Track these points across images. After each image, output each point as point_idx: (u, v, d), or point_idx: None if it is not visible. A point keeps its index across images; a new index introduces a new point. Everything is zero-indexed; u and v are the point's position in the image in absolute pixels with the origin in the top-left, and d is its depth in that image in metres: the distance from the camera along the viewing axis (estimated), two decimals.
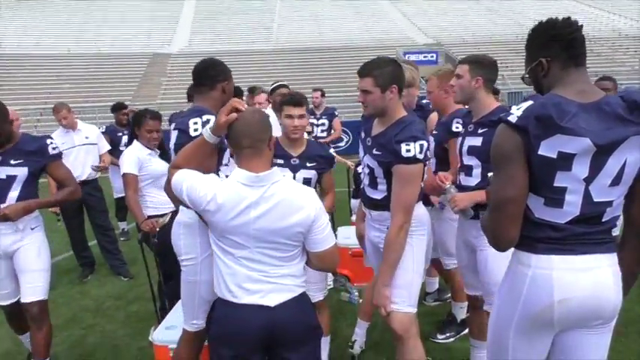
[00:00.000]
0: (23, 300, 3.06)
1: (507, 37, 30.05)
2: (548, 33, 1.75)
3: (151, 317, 4.14)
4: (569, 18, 1.74)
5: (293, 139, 2.96)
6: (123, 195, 5.29)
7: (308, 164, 2.98)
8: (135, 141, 3.86)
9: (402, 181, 2.49)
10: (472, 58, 2.77)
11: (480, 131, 2.67)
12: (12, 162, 2.98)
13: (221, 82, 2.64)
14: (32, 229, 3.10)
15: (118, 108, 6.89)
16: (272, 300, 1.98)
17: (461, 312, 3.75)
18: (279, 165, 2.82)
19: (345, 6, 37.27)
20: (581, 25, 1.73)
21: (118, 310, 4.60)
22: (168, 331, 3.08)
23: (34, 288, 3.06)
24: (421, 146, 2.45)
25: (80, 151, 5.29)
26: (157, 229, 3.56)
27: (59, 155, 3.15)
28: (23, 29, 32.35)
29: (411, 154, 2.43)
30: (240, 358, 2.00)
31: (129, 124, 5.98)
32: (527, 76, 1.83)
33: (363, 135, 2.78)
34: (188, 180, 2.01)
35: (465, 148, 2.73)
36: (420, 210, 2.67)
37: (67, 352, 3.81)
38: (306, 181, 2.95)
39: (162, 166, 3.78)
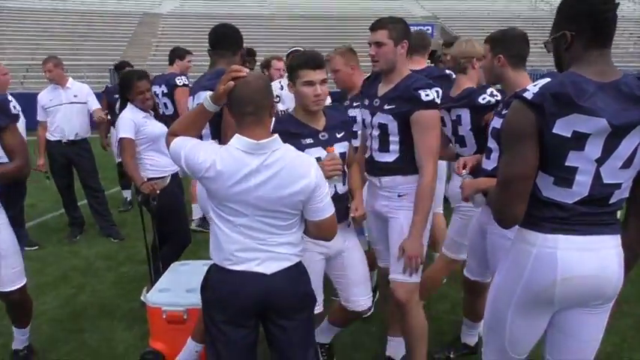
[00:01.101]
0: (5, 289, 2.77)
1: (504, 13, 29.82)
2: (579, 6, 1.64)
3: (141, 279, 4.15)
4: None
5: (314, 111, 2.41)
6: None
7: (338, 135, 2.48)
8: (129, 104, 3.73)
9: (424, 126, 2.50)
10: (493, 35, 2.59)
11: (504, 112, 2.38)
12: None
13: (240, 48, 2.76)
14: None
15: (121, 67, 6.17)
16: (268, 268, 1.98)
17: None
18: (310, 145, 2.38)
19: None
20: (618, 4, 1.64)
21: (109, 270, 4.59)
22: (162, 294, 3.08)
23: (15, 273, 2.78)
24: (437, 92, 2.52)
25: (67, 109, 5.14)
26: (158, 192, 3.53)
27: (17, 117, 2.73)
28: None
29: (430, 98, 2.48)
30: (232, 323, 2.01)
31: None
32: (550, 42, 1.76)
33: (366, 101, 2.75)
34: (187, 147, 1.98)
35: (490, 129, 2.63)
36: None
37: (57, 310, 3.81)
38: (343, 156, 2.48)
39: (158, 128, 3.71)
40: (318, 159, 2.37)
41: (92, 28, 25.37)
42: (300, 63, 2.35)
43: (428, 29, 25.24)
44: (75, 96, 5.22)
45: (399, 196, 2.60)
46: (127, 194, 6.46)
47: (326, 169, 2.19)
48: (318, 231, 2.09)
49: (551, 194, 1.71)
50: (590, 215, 1.70)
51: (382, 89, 2.64)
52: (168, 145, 2.06)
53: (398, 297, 2.64)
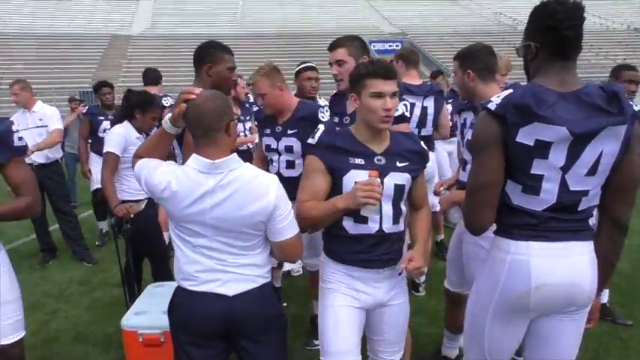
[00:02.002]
0: (2, 343, 2.36)
1: (469, 28, 30.61)
2: (544, 20, 1.68)
3: (116, 303, 4.08)
4: (574, 9, 1.64)
5: (381, 128, 2.04)
6: (99, 187, 4.94)
7: (399, 164, 2.07)
8: (126, 122, 3.63)
9: None
10: (459, 52, 2.64)
11: None
12: None
13: (204, 65, 2.64)
14: None
15: (99, 87, 5.82)
16: (230, 289, 1.95)
17: None
18: (358, 166, 2.02)
19: None
20: (584, 19, 1.67)
21: (82, 295, 4.49)
22: (138, 317, 3.03)
23: (14, 324, 2.39)
24: (405, 105, 2.54)
25: (33, 133, 5.01)
26: (132, 216, 3.46)
27: (23, 150, 2.33)
28: None
29: (399, 113, 2.47)
30: (196, 344, 1.99)
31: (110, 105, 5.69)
32: (520, 49, 1.80)
33: (337, 119, 2.78)
34: (145, 169, 1.98)
35: (464, 141, 2.64)
36: None
37: (30, 338, 3.65)
38: (399, 189, 2.07)
39: None
40: None
41: (61, 51, 25.15)
42: (369, 72, 2.01)
43: (397, 45, 25.79)
44: (40, 119, 5.13)
45: None
46: (103, 225, 6.04)
47: (358, 195, 1.87)
48: (280, 252, 2.03)
49: (521, 202, 1.75)
50: (561, 222, 1.74)
51: (351, 106, 2.68)
52: (133, 167, 2.06)
53: None
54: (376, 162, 2.04)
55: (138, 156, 2.07)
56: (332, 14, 34.29)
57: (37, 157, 5.04)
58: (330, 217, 1.98)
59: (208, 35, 26.96)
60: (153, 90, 5.27)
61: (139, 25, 31.30)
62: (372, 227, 2.04)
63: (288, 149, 2.94)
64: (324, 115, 2.82)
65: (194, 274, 1.95)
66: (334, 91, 2.90)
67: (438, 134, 4.29)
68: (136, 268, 3.78)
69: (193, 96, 1.91)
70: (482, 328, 1.90)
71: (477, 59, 2.55)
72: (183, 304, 2.00)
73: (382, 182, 1.96)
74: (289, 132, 2.93)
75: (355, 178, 1.98)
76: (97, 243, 5.87)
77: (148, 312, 3.06)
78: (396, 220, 2.09)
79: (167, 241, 4.39)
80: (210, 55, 2.66)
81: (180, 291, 2.03)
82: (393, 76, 2.01)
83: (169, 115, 2.04)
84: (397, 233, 2.12)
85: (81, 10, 32.22)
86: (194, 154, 1.91)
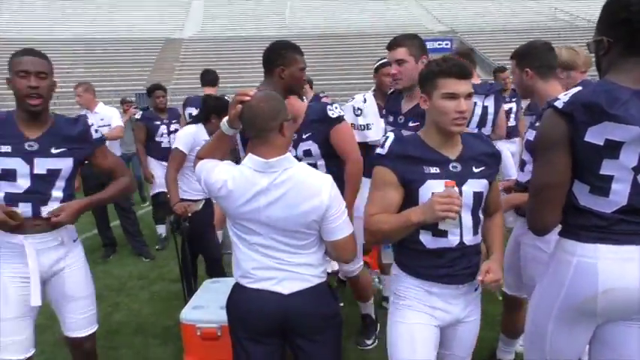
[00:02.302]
0: (75, 335, 2.49)
1: (522, 25, 29.73)
2: (618, 14, 1.59)
3: (173, 297, 4.22)
4: None
5: (452, 132, 1.88)
6: (160, 191, 5.23)
7: (475, 169, 1.91)
8: (200, 124, 3.75)
9: None
10: (516, 50, 2.55)
11: (537, 125, 2.15)
12: (53, 151, 2.32)
13: (277, 67, 2.57)
14: (74, 240, 2.49)
15: (153, 90, 5.85)
16: (285, 288, 1.97)
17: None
18: (435, 176, 1.86)
19: None
20: None
21: (142, 289, 4.67)
22: (196, 311, 3.13)
23: (89, 317, 2.52)
24: None
25: None
26: (189, 214, 3.57)
27: (103, 140, 2.56)
28: (37, 14, 32.50)
29: None
30: (253, 339, 2.03)
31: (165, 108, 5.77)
32: (592, 44, 1.72)
33: (391, 118, 2.78)
34: (205, 170, 2.04)
35: (524, 142, 2.56)
36: None
37: None
38: (478, 197, 1.92)
39: None
40: None
41: (117, 55, 26.17)
42: (442, 70, 1.84)
43: (447, 44, 25.39)
44: (102, 119, 5.38)
45: None
46: (162, 230, 6.02)
47: (436, 208, 1.75)
48: (334, 251, 2.04)
49: (588, 203, 1.69)
50: (631, 224, 1.66)
51: (406, 105, 2.66)
52: (195, 167, 2.14)
53: None
54: (452, 169, 1.89)
55: (199, 157, 2.15)
56: (380, 14, 34.12)
57: None
58: (402, 231, 1.87)
59: (257, 37, 27.49)
60: (210, 91, 5.40)
61: (190, 28, 32.17)
62: (453, 240, 1.90)
63: (307, 153, 2.88)
64: (334, 112, 2.77)
65: (251, 271, 1.99)
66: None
67: (494, 134, 4.21)
68: (192, 264, 3.92)
69: (248, 97, 1.96)
70: (545, 332, 1.83)
71: (534, 57, 2.45)
72: (240, 301, 2.05)
73: (460, 191, 1.83)
74: (304, 136, 2.88)
75: (432, 189, 1.83)
76: (157, 247, 5.90)
77: (206, 306, 3.15)
78: (475, 231, 1.94)
79: (220, 240, 4.52)
80: (281, 57, 2.59)
81: (237, 288, 2.08)
82: (468, 76, 1.84)
83: (226, 117, 2.09)
84: (476, 245, 1.97)
85: (137, 15, 33.43)
86: (249, 154, 1.96)
